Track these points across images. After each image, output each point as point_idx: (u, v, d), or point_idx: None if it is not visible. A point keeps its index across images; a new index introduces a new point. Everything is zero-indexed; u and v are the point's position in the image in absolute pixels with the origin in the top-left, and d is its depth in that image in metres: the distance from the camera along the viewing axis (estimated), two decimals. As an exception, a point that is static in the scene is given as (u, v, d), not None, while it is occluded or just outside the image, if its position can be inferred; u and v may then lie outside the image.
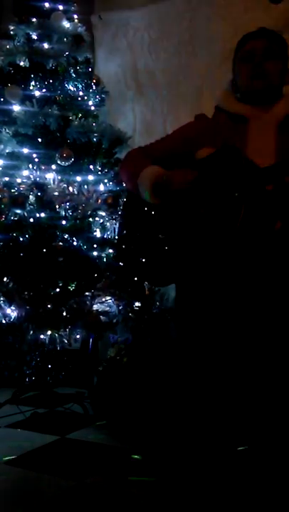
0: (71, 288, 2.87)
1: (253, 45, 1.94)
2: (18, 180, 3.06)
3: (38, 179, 3.02)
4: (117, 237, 2.87)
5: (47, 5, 3.33)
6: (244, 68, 1.94)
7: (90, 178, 3.12)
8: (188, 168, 1.85)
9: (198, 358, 1.85)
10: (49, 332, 2.73)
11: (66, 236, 2.95)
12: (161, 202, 1.87)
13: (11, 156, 3.11)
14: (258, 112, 1.92)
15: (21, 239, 2.94)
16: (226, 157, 1.75)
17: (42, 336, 2.75)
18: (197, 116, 2.05)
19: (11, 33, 3.31)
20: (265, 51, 1.91)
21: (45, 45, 3.26)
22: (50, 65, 3.23)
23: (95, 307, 2.83)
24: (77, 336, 2.82)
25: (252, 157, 1.76)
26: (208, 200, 1.78)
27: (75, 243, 2.96)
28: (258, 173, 1.73)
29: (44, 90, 3.17)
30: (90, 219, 2.99)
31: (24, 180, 3.05)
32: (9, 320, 2.74)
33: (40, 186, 2.98)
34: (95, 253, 2.99)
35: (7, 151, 3.13)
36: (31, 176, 3.04)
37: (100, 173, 3.16)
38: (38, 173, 3.04)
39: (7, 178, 3.07)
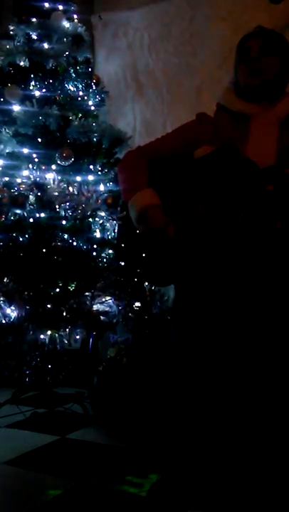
0: (71, 288, 2.87)
1: (250, 44, 1.95)
2: (18, 180, 3.06)
3: (38, 179, 3.02)
4: (116, 237, 2.87)
5: (47, 5, 3.33)
6: (242, 67, 1.96)
7: (90, 178, 3.12)
8: (169, 219, 1.85)
9: (197, 358, 1.85)
10: (49, 332, 2.73)
11: (66, 236, 2.95)
12: (145, 230, 1.87)
13: (11, 156, 3.11)
14: (259, 110, 1.92)
15: (21, 239, 2.94)
16: (224, 157, 1.75)
17: (42, 336, 2.74)
18: (198, 114, 2.05)
19: (11, 33, 3.31)
20: (261, 48, 1.93)
21: (45, 45, 3.26)
22: (50, 65, 3.23)
23: (95, 307, 2.83)
24: (77, 336, 2.82)
25: (252, 155, 1.76)
26: (208, 200, 1.78)
27: (75, 243, 2.96)
28: (258, 174, 1.73)
29: (44, 90, 3.17)
30: (90, 219, 2.99)
31: (24, 180, 3.05)
32: (9, 320, 2.73)
33: (40, 186, 2.98)
34: (94, 253, 2.99)
35: (7, 151, 3.13)
36: (31, 176, 3.04)
37: (100, 173, 3.16)
38: (38, 173, 3.04)
39: (7, 178, 3.07)
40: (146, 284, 2.96)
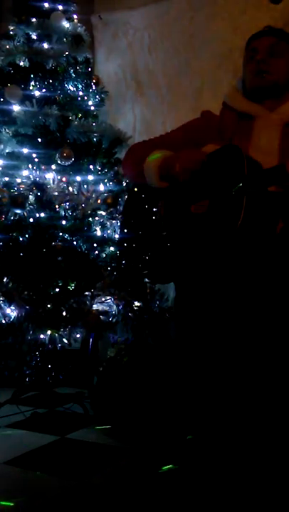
0: (71, 288, 2.88)
1: (258, 43, 1.94)
2: (18, 180, 3.06)
3: (38, 179, 3.02)
4: (118, 236, 2.87)
5: (47, 5, 3.34)
6: (249, 66, 1.95)
7: (90, 178, 3.13)
8: (197, 149, 1.82)
9: (198, 357, 1.85)
10: (49, 332, 2.73)
11: (66, 236, 2.95)
12: (169, 186, 1.84)
13: (11, 156, 3.11)
14: (264, 110, 1.92)
15: (21, 239, 2.94)
16: (228, 156, 1.75)
17: (42, 336, 2.75)
18: (203, 112, 2.05)
19: (11, 33, 3.32)
20: (269, 49, 1.91)
21: (45, 45, 3.27)
22: (50, 65, 3.23)
23: (95, 307, 2.83)
24: (77, 336, 2.82)
25: (254, 156, 1.75)
26: (210, 198, 1.77)
27: (75, 243, 2.96)
28: (261, 174, 1.73)
29: (44, 90, 3.18)
30: (90, 219, 3.00)
31: (24, 180, 3.05)
32: (9, 320, 2.74)
33: (40, 186, 2.99)
34: (94, 252, 3.00)
35: (7, 151, 3.13)
36: (31, 176, 3.04)
37: (99, 173, 3.16)
38: (38, 173, 3.04)
39: (7, 178, 3.08)
40: (147, 281, 2.96)
